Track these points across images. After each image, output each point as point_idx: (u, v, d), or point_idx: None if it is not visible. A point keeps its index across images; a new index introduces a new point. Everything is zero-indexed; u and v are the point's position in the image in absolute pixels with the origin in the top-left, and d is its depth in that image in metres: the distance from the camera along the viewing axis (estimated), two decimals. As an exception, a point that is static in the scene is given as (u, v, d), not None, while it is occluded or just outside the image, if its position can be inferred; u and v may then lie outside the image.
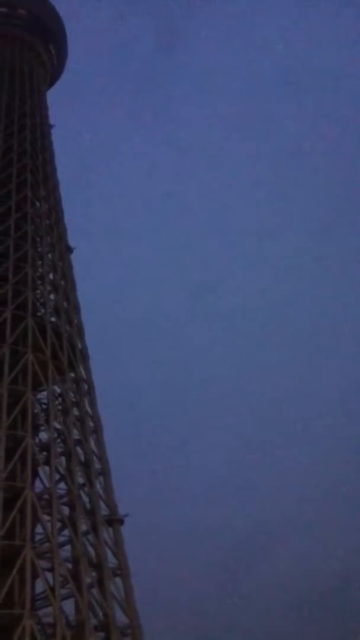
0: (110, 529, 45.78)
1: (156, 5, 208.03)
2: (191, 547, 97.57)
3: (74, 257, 59.55)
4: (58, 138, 69.29)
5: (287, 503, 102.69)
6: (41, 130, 66.46)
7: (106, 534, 45.12)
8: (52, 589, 39.03)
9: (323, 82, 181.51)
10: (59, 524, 42.41)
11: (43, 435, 46.37)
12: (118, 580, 43.84)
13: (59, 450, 46.44)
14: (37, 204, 59.36)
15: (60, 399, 49.52)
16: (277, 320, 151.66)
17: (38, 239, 56.86)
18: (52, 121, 70.48)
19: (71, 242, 60.29)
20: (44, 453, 45.07)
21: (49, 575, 39.99)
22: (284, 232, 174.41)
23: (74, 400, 50.20)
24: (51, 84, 79.99)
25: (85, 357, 53.52)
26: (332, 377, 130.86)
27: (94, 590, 42.46)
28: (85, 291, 58.19)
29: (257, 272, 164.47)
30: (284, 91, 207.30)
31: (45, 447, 45.44)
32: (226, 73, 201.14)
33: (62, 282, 56.10)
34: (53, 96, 78.70)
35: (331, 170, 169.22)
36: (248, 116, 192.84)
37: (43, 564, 40.21)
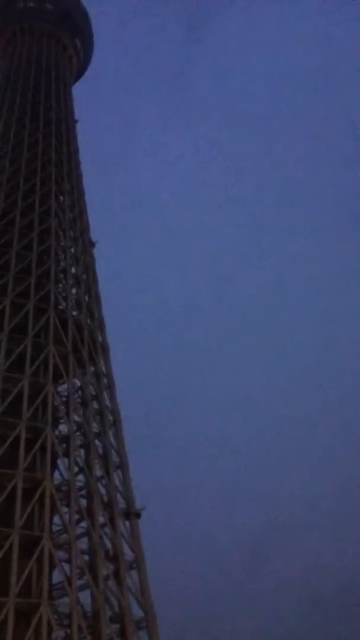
0: (127, 522, 46.10)
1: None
2: (206, 542, 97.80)
3: (96, 252, 59.84)
4: (82, 132, 69.70)
5: (300, 500, 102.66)
6: (66, 124, 66.80)
7: (123, 526, 45.49)
8: (69, 580, 39.51)
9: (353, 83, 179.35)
10: (76, 516, 42.82)
11: (63, 428, 46.74)
12: (134, 573, 44.19)
13: (78, 442, 46.80)
14: (61, 197, 59.73)
15: (80, 392, 49.96)
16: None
17: (61, 233, 57.22)
18: (76, 115, 70.86)
19: (93, 237, 60.58)
20: (63, 445, 45.44)
21: (66, 566, 40.40)
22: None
23: (93, 393, 50.63)
24: (77, 77, 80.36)
25: (105, 350, 53.84)
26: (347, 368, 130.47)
27: (110, 582, 42.77)
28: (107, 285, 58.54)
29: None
30: (310, 92, 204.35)
31: (64, 439, 45.80)
32: (253, 69, 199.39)
33: (84, 276, 56.43)
34: (78, 90, 79.13)
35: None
36: (274, 113, 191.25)
37: (60, 554, 40.64)
